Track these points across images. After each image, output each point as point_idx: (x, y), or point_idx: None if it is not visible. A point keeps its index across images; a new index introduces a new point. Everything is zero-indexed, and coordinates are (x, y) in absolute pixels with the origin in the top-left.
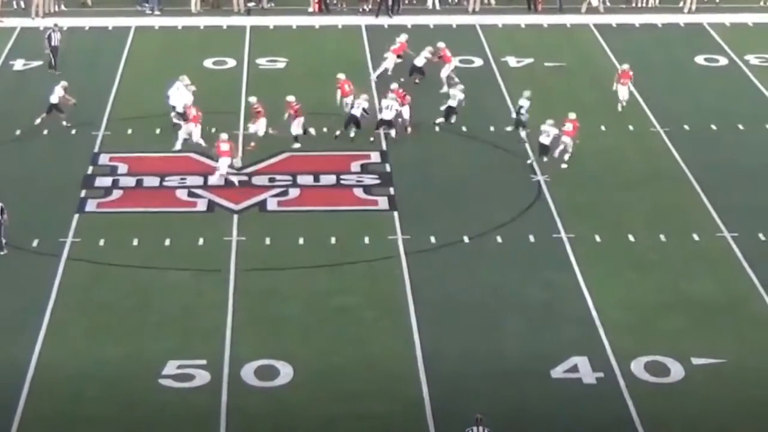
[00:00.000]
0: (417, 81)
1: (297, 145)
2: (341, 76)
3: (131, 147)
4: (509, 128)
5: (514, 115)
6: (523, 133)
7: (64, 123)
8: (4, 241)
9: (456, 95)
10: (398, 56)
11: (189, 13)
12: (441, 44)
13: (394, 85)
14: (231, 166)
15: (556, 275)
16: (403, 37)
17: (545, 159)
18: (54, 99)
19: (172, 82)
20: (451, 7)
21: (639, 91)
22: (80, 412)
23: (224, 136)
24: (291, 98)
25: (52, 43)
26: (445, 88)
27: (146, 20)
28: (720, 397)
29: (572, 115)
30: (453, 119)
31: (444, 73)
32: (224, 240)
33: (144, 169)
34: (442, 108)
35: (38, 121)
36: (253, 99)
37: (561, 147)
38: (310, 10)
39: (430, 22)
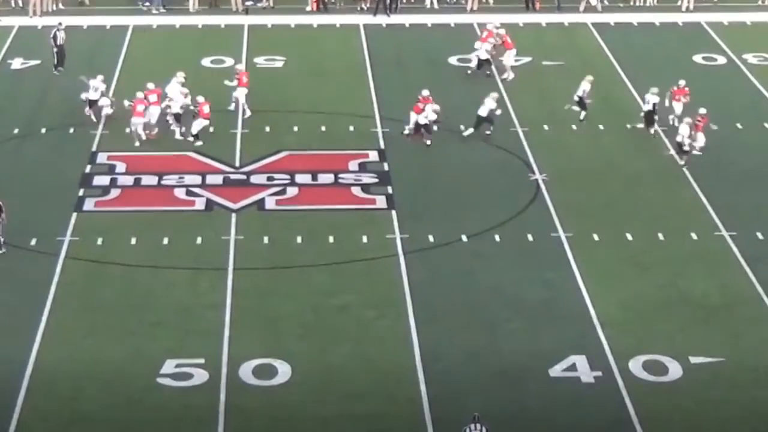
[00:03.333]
0: (488, 73)
1: (199, 143)
2: (240, 66)
3: (129, 146)
4: (568, 106)
5: (576, 98)
6: (582, 115)
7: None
8: (2, 240)
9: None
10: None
11: (187, 12)
12: (501, 31)
13: (425, 92)
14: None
15: (554, 274)
16: (490, 26)
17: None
18: (95, 95)
19: (169, 80)
20: (450, 6)
21: (637, 90)
22: (79, 411)
23: (139, 95)
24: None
25: (58, 42)
26: (510, 75)
27: (144, 19)
28: (718, 396)
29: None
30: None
31: (507, 60)
32: (222, 239)
33: (142, 168)
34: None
35: (89, 113)
36: (200, 98)
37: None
38: (308, 9)
39: (429, 21)
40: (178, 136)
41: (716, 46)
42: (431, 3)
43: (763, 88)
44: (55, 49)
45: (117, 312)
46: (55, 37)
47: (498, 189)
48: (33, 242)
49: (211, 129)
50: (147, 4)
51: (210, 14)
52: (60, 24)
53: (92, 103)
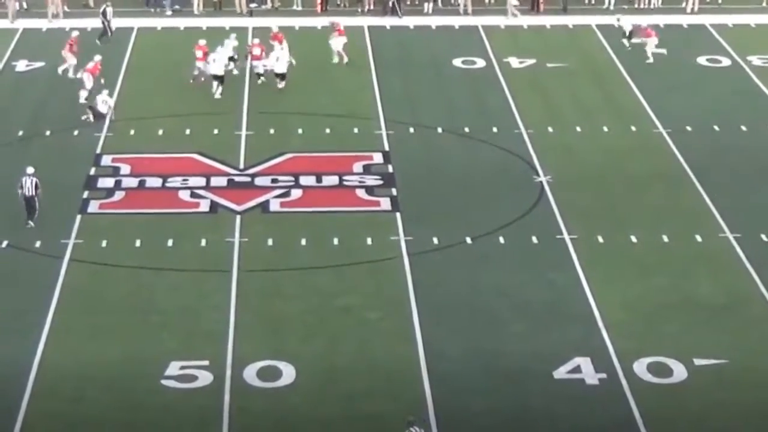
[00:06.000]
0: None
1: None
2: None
3: (134, 148)
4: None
5: None
6: None
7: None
8: (36, 208)
9: None
10: None
11: (192, 14)
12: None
13: None
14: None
15: (558, 276)
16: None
17: None
18: (103, 109)
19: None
20: (453, 8)
21: (641, 92)
22: (83, 412)
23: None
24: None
25: (108, 17)
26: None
27: (149, 21)
28: (722, 398)
29: None
30: None
31: (649, 49)
32: (227, 241)
33: (146, 170)
34: None
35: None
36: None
37: None
38: (299, 8)
39: (433, 24)
40: (218, 95)
41: (720, 48)
42: (427, 8)
43: (767, 89)
44: (105, 23)
45: (121, 314)
46: (105, 12)
47: (502, 191)
48: (37, 244)
49: (215, 131)
50: (154, 2)
51: (214, 16)
52: (108, 2)
53: (97, 114)
